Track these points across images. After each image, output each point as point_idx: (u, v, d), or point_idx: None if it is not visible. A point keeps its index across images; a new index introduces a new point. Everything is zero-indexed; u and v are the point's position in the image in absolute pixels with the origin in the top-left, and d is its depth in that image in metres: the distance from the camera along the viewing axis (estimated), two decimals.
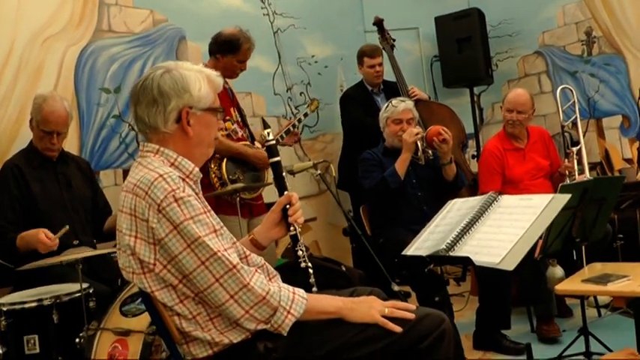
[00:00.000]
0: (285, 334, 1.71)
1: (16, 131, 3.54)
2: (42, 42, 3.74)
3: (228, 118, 3.85)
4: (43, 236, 2.84)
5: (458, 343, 1.93)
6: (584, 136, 5.25)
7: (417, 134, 3.55)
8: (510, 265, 1.94)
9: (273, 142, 2.02)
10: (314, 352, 1.74)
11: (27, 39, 3.67)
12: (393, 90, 4.97)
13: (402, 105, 3.74)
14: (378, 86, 4.95)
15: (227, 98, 3.93)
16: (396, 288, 2.97)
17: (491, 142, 4.13)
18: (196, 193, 1.77)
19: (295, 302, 1.71)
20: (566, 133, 5.10)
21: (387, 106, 3.81)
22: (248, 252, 1.93)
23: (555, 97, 3.75)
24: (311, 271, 1.97)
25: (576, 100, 3.91)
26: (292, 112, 5.26)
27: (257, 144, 3.91)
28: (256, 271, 1.73)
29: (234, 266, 1.66)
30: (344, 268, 3.47)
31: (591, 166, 5.00)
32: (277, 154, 2.01)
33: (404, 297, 2.92)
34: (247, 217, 3.79)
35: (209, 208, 1.79)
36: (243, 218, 3.71)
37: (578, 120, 3.91)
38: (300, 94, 5.39)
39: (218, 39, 3.83)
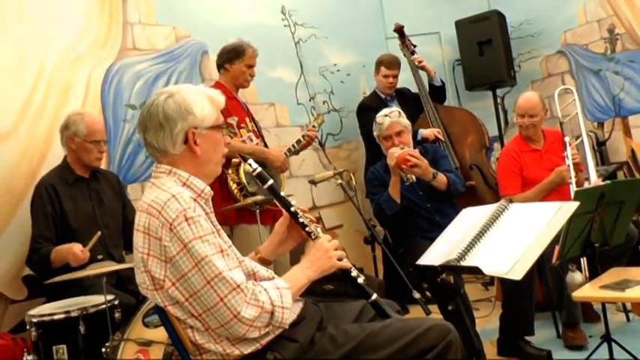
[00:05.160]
0: (287, 327, 1.81)
1: (47, 149, 3.64)
2: (70, 62, 3.85)
3: (243, 125, 3.95)
4: (76, 249, 2.97)
5: (466, 354, 1.94)
6: (609, 136, 5.22)
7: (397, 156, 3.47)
8: (518, 275, 1.96)
9: (259, 169, 2.10)
10: None
11: (55, 60, 3.78)
12: (404, 95, 5.03)
13: (386, 120, 3.65)
14: (391, 94, 4.98)
15: (241, 109, 4.05)
16: (416, 295, 2.97)
17: (508, 146, 4.15)
18: (207, 213, 1.84)
19: (284, 296, 1.79)
20: (591, 133, 5.07)
21: (374, 124, 3.74)
22: (257, 268, 2.02)
23: (555, 99, 3.81)
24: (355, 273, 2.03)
25: (576, 98, 3.90)
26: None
27: None
28: (252, 284, 1.78)
29: (238, 286, 1.71)
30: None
31: (617, 166, 4.94)
32: (268, 179, 2.08)
33: (425, 304, 2.92)
34: (270, 224, 3.83)
35: (218, 227, 1.86)
36: (266, 225, 3.77)
37: (580, 116, 3.89)
38: (324, 102, 5.43)
39: (224, 51, 4.03)
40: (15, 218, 3.45)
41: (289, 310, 1.80)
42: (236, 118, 3.90)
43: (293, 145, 4.20)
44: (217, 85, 3.93)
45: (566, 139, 3.70)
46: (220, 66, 4.05)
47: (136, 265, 1.82)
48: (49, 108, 3.70)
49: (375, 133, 3.76)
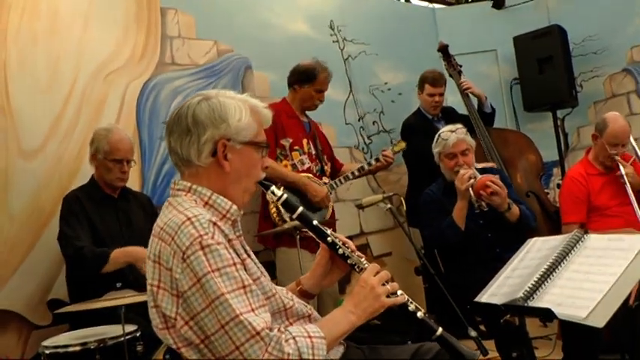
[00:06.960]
0: None
1: (77, 166, 3.49)
2: (104, 77, 3.70)
3: (297, 148, 3.79)
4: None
5: None
6: None
7: (469, 179, 3.24)
8: (600, 321, 1.65)
9: (285, 197, 1.76)
10: None
11: (89, 74, 3.64)
12: (451, 115, 4.73)
13: (452, 137, 3.42)
14: (438, 114, 4.71)
15: (301, 129, 3.89)
16: (473, 334, 2.69)
17: (573, 169, 3.88)
18: (229, 240, 1.56)
19: (316, 347, 1.50)
20: None
21: (437, 139, 3.51)
22: (293, 302, 1.73)
23: None
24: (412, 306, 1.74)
25: None
26: (365, 143, 5.06)
27: (325, 179, 3.76)
28: (279, 330, 1.51)
29: (258, 333, 1.43)
30: None
31: None
32: (297, 207, 1.77)
33: (481, 342, 2.64)
34: (314, 251, 3.61)
35: (245, 256, 1.59)
36: (311, 253, 3.55)
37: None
38: (373, 123, 5.21)
39: (296, 70, 3.90)
40: (42, 238, 3.31)
41: None
42: (290, 140, 3.74)
43: (352, 173, 3.97)
44: (282, 102, 3.87)
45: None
46: (290, 84, 3.94)
47: (148, 299, 1.57)
48: (80, 125, 3.55)
49: (436, 150, 3.53)
